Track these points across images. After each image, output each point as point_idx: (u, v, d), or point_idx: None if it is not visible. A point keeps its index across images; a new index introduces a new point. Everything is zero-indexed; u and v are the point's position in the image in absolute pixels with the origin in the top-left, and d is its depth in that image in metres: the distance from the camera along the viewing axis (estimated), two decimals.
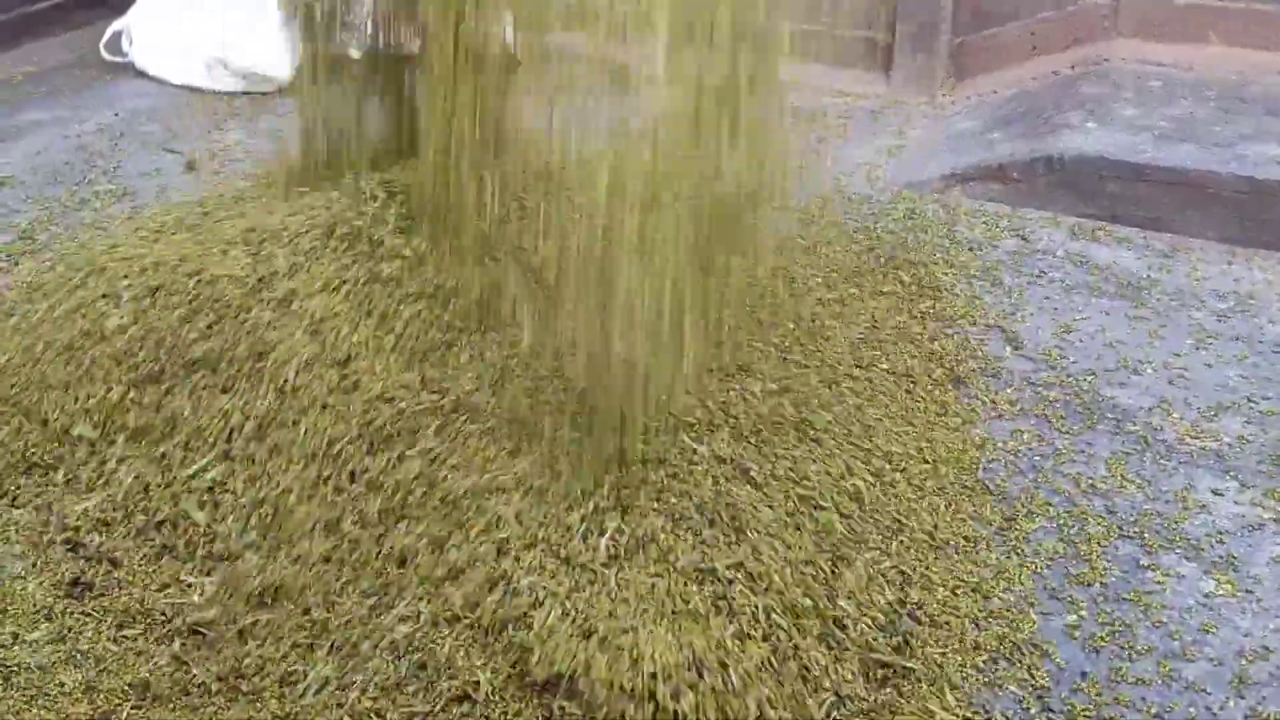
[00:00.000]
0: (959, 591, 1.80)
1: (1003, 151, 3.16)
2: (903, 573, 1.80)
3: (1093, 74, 3.42)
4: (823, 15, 3.74)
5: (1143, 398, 2.28)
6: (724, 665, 1.56)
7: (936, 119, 3.53)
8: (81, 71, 3.86)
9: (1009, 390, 2.30)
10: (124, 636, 1.73)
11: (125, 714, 1.61)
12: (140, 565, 1.84)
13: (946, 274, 2.70)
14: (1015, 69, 3.62)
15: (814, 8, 3.71)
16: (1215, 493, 2.03)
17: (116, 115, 3.55)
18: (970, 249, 2.82)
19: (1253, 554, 1.89)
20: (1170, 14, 3.33)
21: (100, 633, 1.73)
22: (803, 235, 2.80)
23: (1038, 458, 2.11)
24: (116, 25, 3.90)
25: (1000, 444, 2.14)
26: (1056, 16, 3.49)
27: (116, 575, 1.82)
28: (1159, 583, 1.84)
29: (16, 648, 1.70)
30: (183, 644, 1.71)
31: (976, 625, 1.75)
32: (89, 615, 1.76)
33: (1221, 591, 1.82)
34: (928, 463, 2.05)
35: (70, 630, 1.74)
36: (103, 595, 1.79)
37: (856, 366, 2.26)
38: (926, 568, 1.83)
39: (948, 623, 1.74)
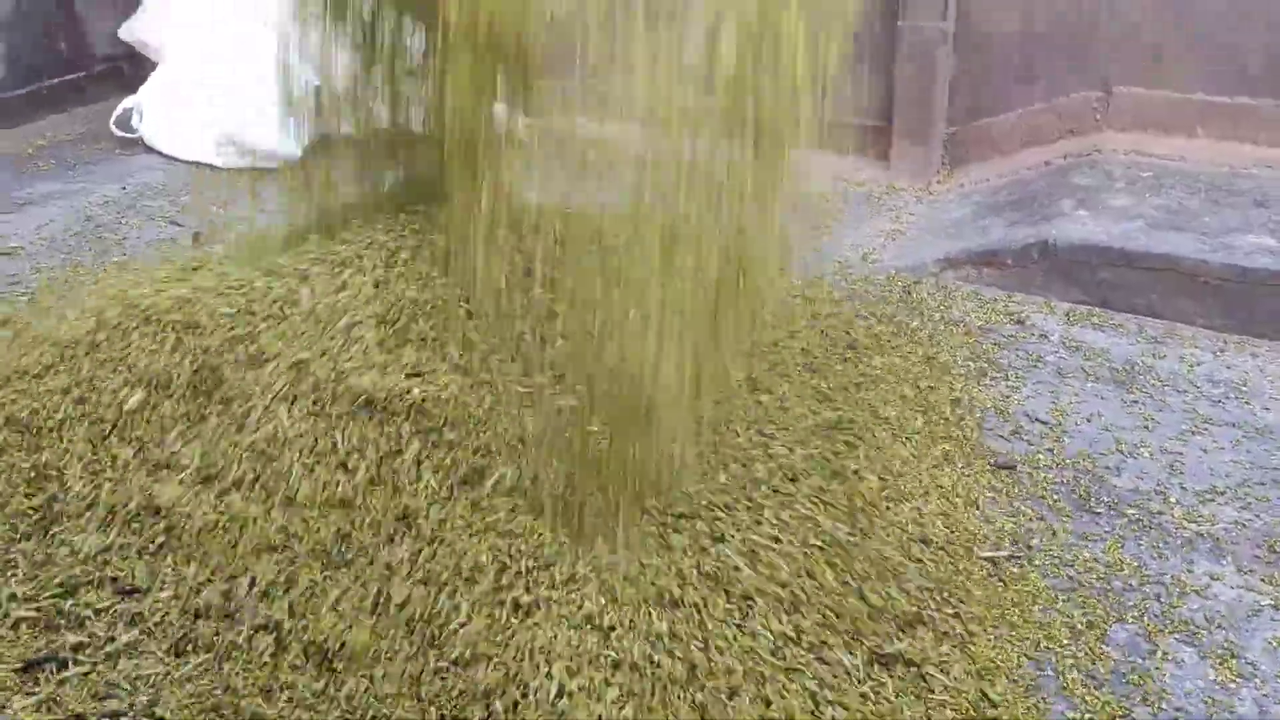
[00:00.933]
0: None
1: (997, 237, 3.21)
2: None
3: (1084, 164, 3.49)
4: (824, 104, 3.82)
5: (1139, 482, 2.29)
6: None
7: (932, 205, 3.60)
8: (92, 146, 3.93)
9: (1005, 472, 2.31)
10: None
11: None
12: None
13: (943, 356, 2.73)
14: (1009, 158, 3.69)
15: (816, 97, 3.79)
16: (1213, 577, 2.03)
17: (124, 189, 3.60)
18: (966, 332, 2.86)
19: (1251, 638, 1.89)
20: (1159, 108, 3.41)
21: None
22: (801, 313, 2.84)
23: (1035, 540, 2.12)
24: (128, 102, 3.98)
25: (998, 526, 2.14)
26: (1048, 109, 3.57)
27: None
28: (1158, 667, 1.84)
29: None
30: None
31: (976, 710, 1.74)
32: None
33: (1221, 676, 1.82)
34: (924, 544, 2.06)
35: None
36: None
37: (849, 441, 2.28)
38: (923, 649, 1.82)
39: (943, 703, 1.73)
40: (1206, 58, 3.33)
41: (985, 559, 2.06)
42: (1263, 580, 2.02)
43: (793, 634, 1.76)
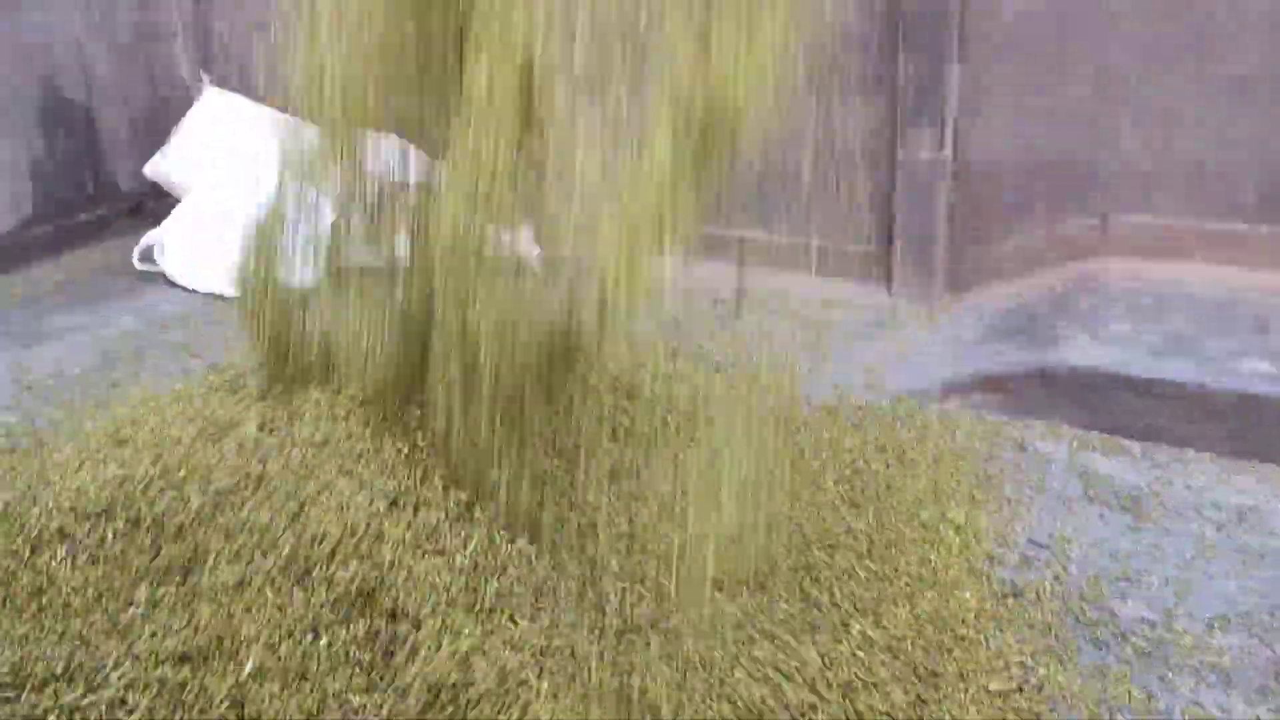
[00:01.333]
0: None
1: (1000, 362, 3.24)
2: None
3: (1086, 289, 3.54)
4: (827, 231, 3.91)
5: (1146, 610, 2.28)
6: None
7: (935, 329, 3.64)
8: (113, 280, 4.03)
9: (1010, 600, 2.30)
10: None
11: None
12: None
13: (947, 482, 2.73)
14: (1010, 283, 3.74)
15: (819, 223, 3.88)
16: (1221, 709, 2.00)
17: (143, 322, 3.69)
18: (970, 457, 2.87)
19: None
20: (1156, 234, 3.47)
21: None
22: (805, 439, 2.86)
23: (1041, 670, 2.09)
24: (150, 237, 4.10)
25: (1003, 656, 2.12)
26: (1048, 234, 3.63)
27: None
28: None
29: None
30: None
31: None
32: None
33: None
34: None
35: None
36: None
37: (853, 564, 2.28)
38: None
39: None
40: (1199, 186, 3.40)
41: (995, 692, 2.04)
42: (1271, 712, 1.99)
43: None
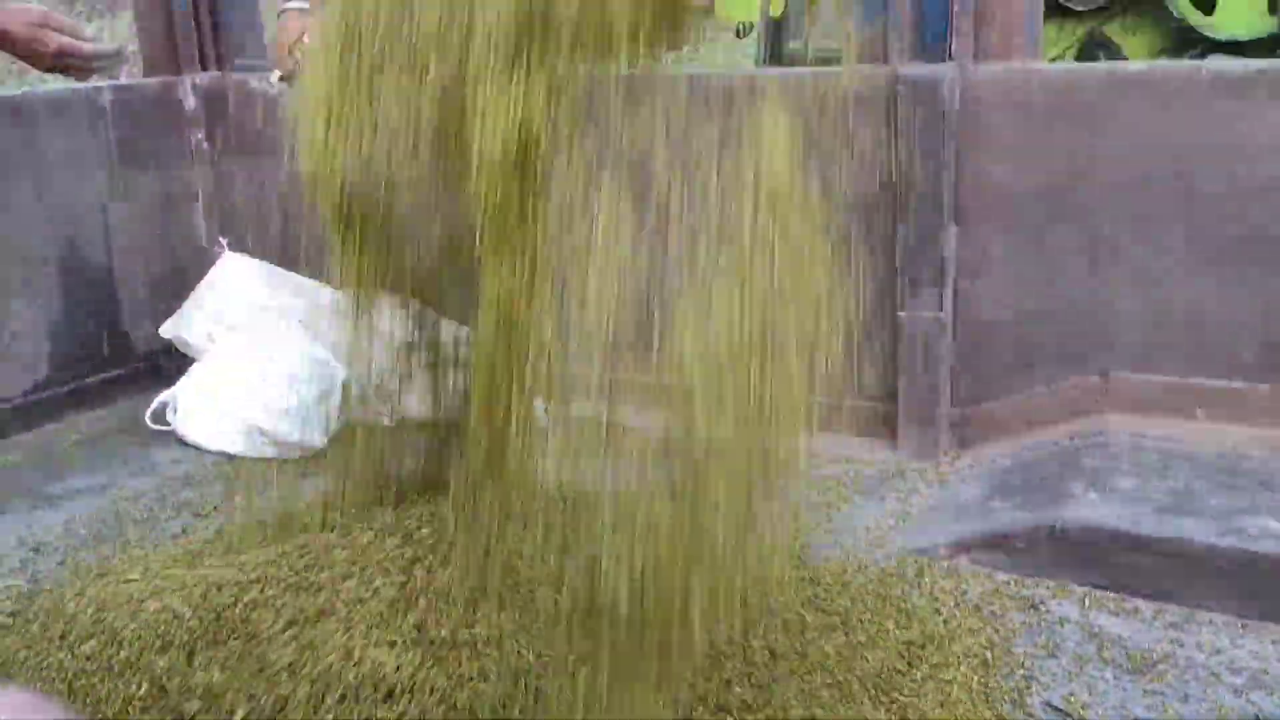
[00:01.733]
0: None
1: (1006, 520, 3.25)
2: None
3: (1090, 446, 3.56)
4: (831, 387, 3.96)
5: None
6: None
7: (941, 486, 3.65)
8: (125, 440, 4.07)
9: None
10: None
11: None
12: None
13: (956, 645, 2.71)
14: (1015, 439, 3.77)
15: (823, 380, 3.93)
16: None
17: (154, 482, 3.72)
18: (979, 617, 2.84)
19: None
20: (1157, 392, 3.52)
21: None
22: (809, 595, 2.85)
23: None
24: (163, 396, 4.15)
25: None
26: (1050, 392, 3.68)
27: None
28: None
29: None
30: None
31: None
32: None
33: None
34: None
35: None
36: None
37: None
38: None
39: None
40: (1198, 344, 3.46)
41: None
42: None
43: None
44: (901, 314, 3.77)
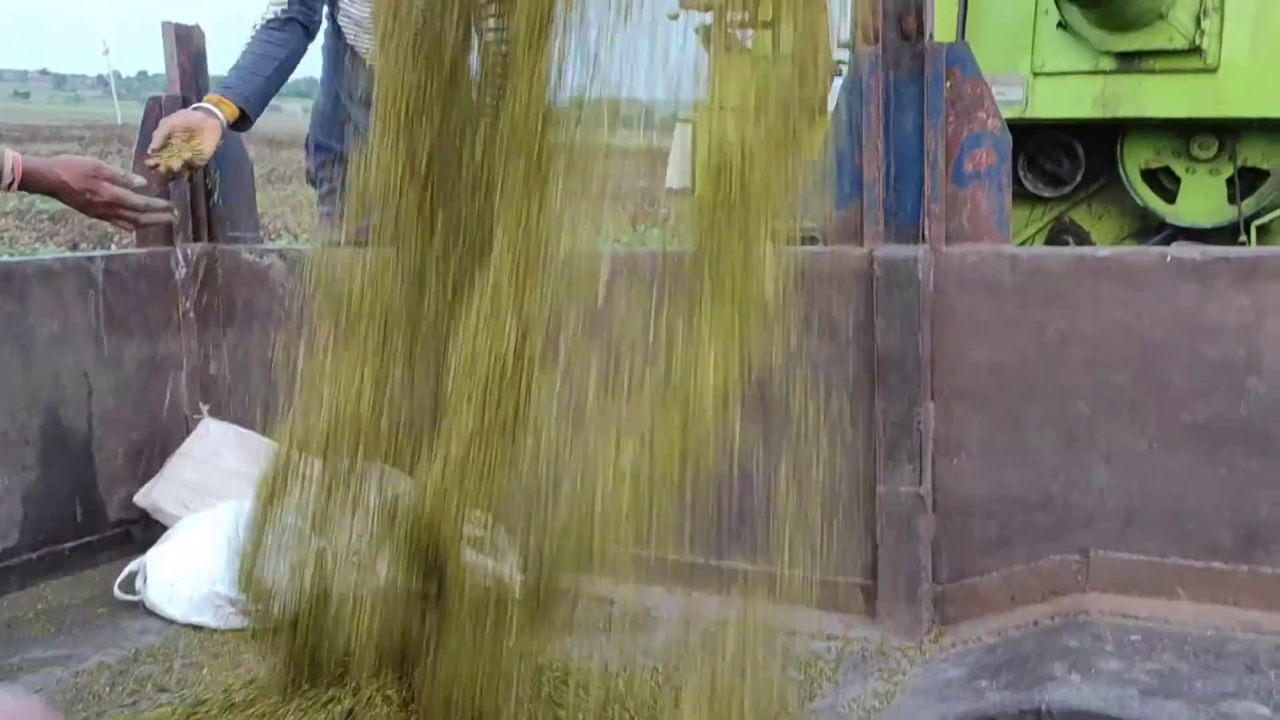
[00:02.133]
0: None
1: (992, 701, 3.18)
2: None
3: (1072, 625, 3.53)
4: (812, 562, 3.93)
5: None
6: None
7: (924, 665, 3.59)
8: (92, 610, 3.98)
9: None
10: None
11: None
12: None
13: None
14: (997, 617, 3.73)
15: (804, 555, 3.91)
16: None
17: (118, 654, 3.62)
18: None
19: None
20: (1137, 571, 3.51)
21: None
22: None
23: None
24: (133, 565, 4.09)
25: None
26: (1029, 570, 3.67)
27: None
28: None
29: None
30: None
31: None
32: None
33: None
34: None
35: None
36: None
37: None
38: None
39: None
40: (1176, 525, 3.47)
41: None
42: None
43: None
44: (881, 488, 3.78)
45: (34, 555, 4.17)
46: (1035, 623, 3.66)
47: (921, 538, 3.76)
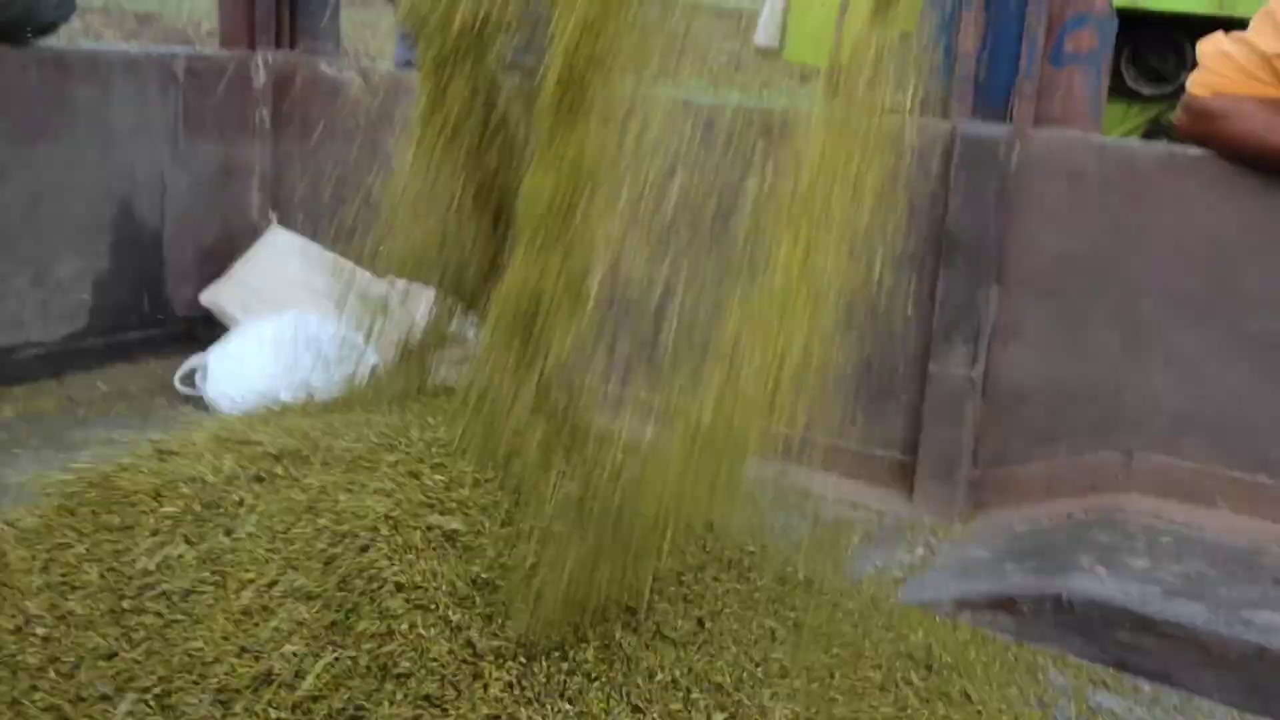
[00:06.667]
0: None
1: (1014, 583, 3.23)
2: None
3: (1106, 522, 3.54)
4: (852, 433, 3.96)
5: None
6: None
7: (953, 544, 3.63)
8: (153, 400, 4.12)
9: None
10: None
11: None
12: None
13: (947, 687, 2.68)
14: (1031, 506, 3.75)
15: (845, 425, 3.93)
16: None
17: None
18: (980, 679, 2.82)
19: None
20: (1180, 476, 3.49)
21: None
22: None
23: None
24: (193, 361, 4.20)
25: None
26: (1070, 465, 3.66)
27: None
28: None
29: None
30: None
31: None
32: None
33: None
34: None
35: None
36: None
37: None
38: None
39: None
40: (1226, 434, 3.43)
41: None
42: None
43: None
44: (933, 368, 3.77)
45: (100, 340, 4.30)
46: (1069, 516, 3.68)
47: (966, 421, 3.76)
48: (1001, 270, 3.64)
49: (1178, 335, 3.47)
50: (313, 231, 4.52)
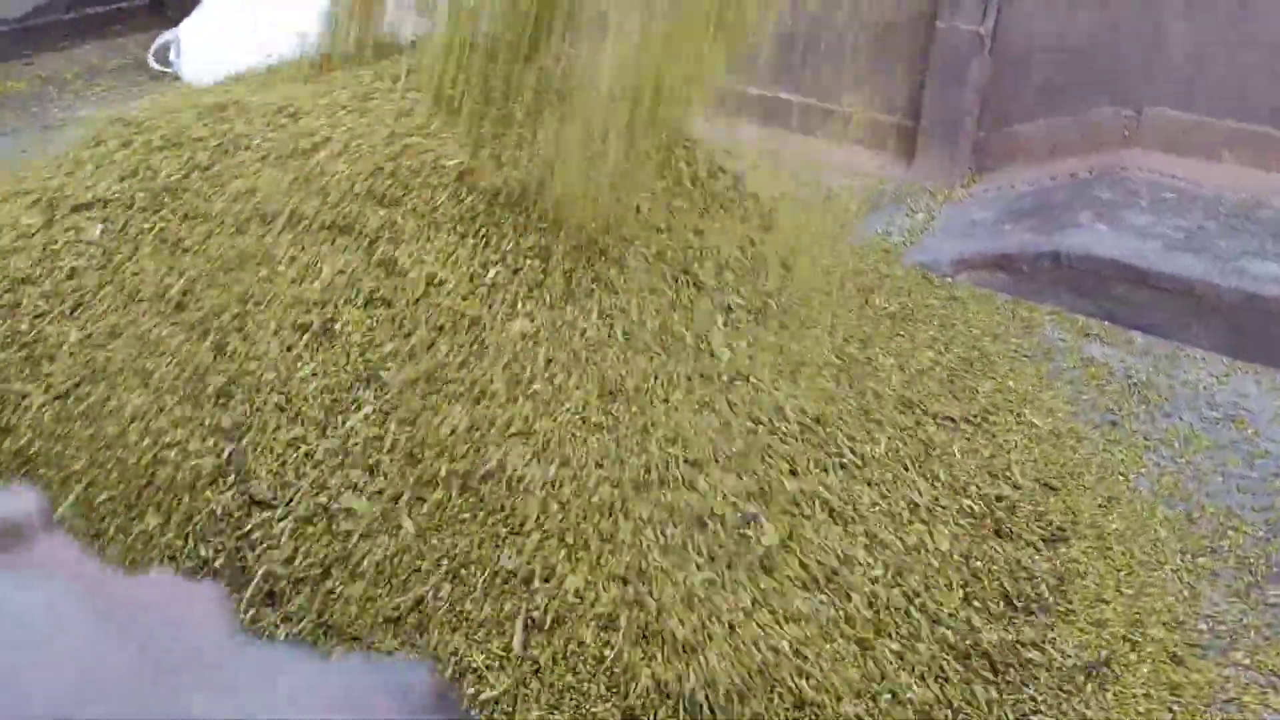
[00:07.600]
0: None
1: (1012, 241, 3.23)
2: None
3: (1108, 179, 3.51)
4: (853, 97, 3.84)
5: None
6: None
7: (954, 207, 3.61)
8: (128, 75, 3.96)
9: None
10: None
11: None
12: None
13: (942, 356, 2.75)
14: (1034, 167, 3.71)
15: (846, 89, 3.81)
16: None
17: None
18: (978, 332, 2.87)
19: None
20: (1186, 130, 3.43)
21: None
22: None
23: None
24: (166, 36, 4.01)
25: None
26: (1076, 122, 3.58)
27: None
28: None
29: None
30: None
31: None
32: None
33: None
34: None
35: None
36: None
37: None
38: None
39: None
40: (1238, 84, 3.34)
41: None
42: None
43: None
44: (940, 24, 3.61)
45: (69, 16, 4.09)
46: (1072, 175, 3.64)
47: (971, 80, 3.64)
48: None
49: None
50: None
